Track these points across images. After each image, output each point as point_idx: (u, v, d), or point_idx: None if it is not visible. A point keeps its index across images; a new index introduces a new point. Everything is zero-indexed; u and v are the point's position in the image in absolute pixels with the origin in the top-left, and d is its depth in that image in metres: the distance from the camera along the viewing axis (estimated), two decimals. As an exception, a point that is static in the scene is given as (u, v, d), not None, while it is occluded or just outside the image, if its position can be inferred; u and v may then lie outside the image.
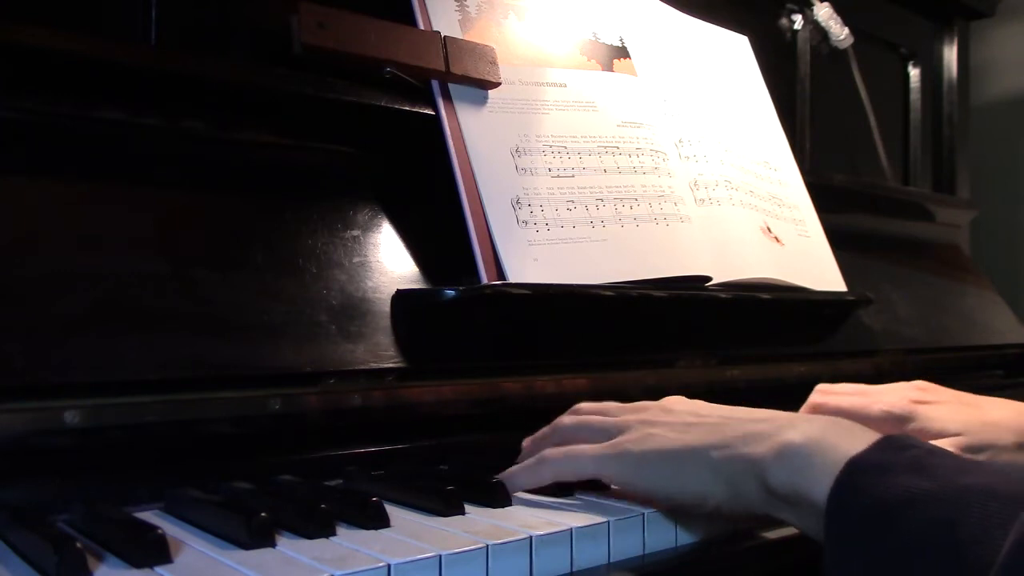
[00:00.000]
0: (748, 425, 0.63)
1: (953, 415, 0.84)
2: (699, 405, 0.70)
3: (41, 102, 0.70)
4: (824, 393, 0.91)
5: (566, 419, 0.73)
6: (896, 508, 0.51)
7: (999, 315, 1.57)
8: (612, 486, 0.68)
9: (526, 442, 0.76)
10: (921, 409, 0.84)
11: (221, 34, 0.85)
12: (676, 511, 0.64)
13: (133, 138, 0.75)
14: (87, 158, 0.72)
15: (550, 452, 0.68)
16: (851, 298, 1.18)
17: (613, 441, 0.67)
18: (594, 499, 0.67)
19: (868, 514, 0.52)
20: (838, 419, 0.62)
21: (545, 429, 0.74)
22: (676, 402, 0.71)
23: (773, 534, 0.68)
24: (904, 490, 0.52)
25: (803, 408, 0.91)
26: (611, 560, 0.60)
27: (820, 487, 0.55)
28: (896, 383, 0.91)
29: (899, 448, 0.55)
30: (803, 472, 0.57)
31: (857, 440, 0.57)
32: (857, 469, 0.54)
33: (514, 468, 0.69)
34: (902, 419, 0.84)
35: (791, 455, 0.58)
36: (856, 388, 0.91)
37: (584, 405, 0.75)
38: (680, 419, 0.67)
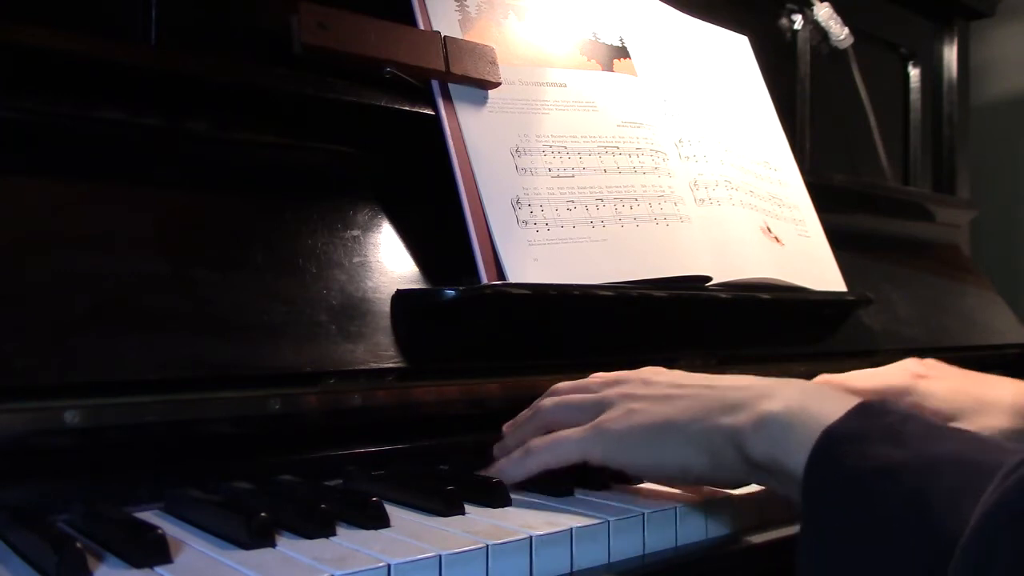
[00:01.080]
0: (728, 393, 0.63)
1: (951, 393, 0.83)
2: (678, 375, 0.70)
3: (41, 102, 0.70)
4: (830, 376, 0.91)
5: (546, 401, 0.73)
6: (870, 478, 0.52)
7: (999, 315, 1.57)
8: (598, 465, 0.68)
9: (506, 426, 0.76)
10: (921, 383, 0.85)
11: (221, 34, 0.85)
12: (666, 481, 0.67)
13: (133, 138, 0.75)
14: (87, 158, 0.72)
15: (535, 442, 0.69)
16: (851, 298, 1.18)
17: (594, 423, 0.67)
18: (594, 499, 0.67)
19: (842, 484, 0.53)
20: (817, 385, 0.62)
21: (525, 412, 0.74)
22: (655, 372, 0.71)
23: (772, 535, 0.68)
24: (878, 460, 0.52)
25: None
26: (611, 560, 0.60)
27: (797, 457, 0.55)
28: (903, 360, 0.91)
29: (874, 415, 0.55)
30: (780, 442, 0.57)
31: (835, 407, 0.57)
32: (832, 439, 0.54)
33: (501, 462, 0.70)
34: (901, 392, 0.84)
35: (768, 424, 0.58)
36: (862, 372, 0.92)
37: (562, 385, 0.75)
38: (660, 391, 0.67)
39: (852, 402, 0.57)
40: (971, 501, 0.47)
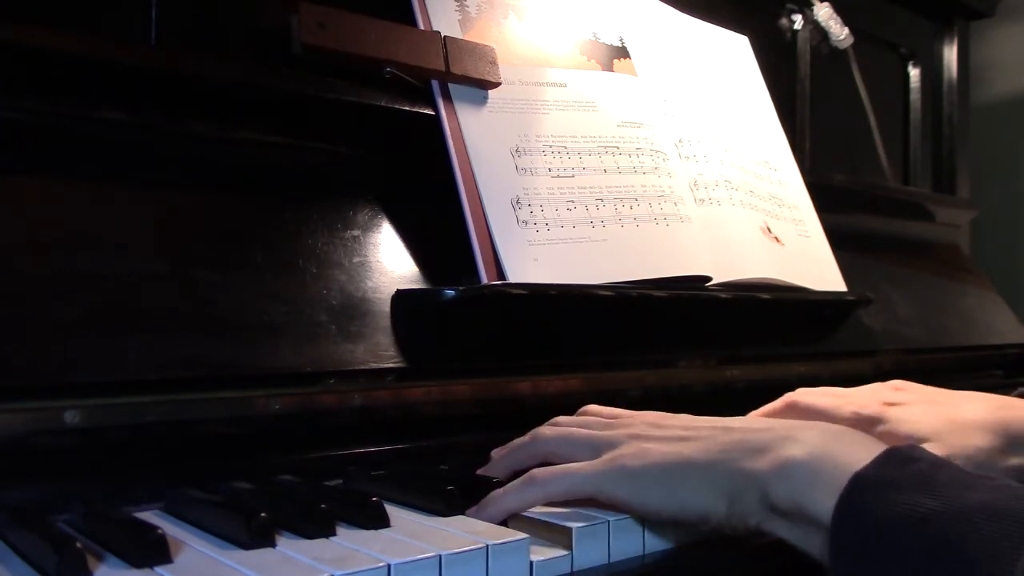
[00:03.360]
0: (748, 435, 0.61)
1: (924, 417, 0.81)
2: (688, 418, 0.68)
3: (41, 102, 0.70)
4: (799, 393, 0.90)
5: (546, 430, 0.70)
6: (903, 527, 0.50)
7: (999, 315, 1.57)
8: (608, 504, 0.63)
9: (496, 452, 0.73)
10: (891, 411, 0.82)
11: (221, 34, 0.85)
12: None
13: (133, 138, 0.75)
14: (87, 158, 0.72)
15: (539, 472, 0.64)
16: (851, 298, 1.18)
17: (608, 456, 0.63)
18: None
19: (874, 533, 0.51)
20: (840, 428, 0.60)
21: (522, 439, 0.71)
22: (663, 416, 0.68)
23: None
24: (911, 508, 0.51)
25: (775, 403, 0.90)
26: (611, 560, 0.60)
27: (823, 504, 0.54)
28: (873, 384, 0.90)
29: (903, 462, 0.54)
30: (806, 488, 0.55)
31: (860, 452, 0.56)
32: (862, 485, 0.53)
33: (497, 492, 0.64)
34: (872, 421, 0.82)
35: (793, 470, 0.57)
36: (830, 390, 0.90)
37: (563, 418, 0.72)
38: (672, 432, 0.64)
39: (878, 447, 0.56)
40: (1009, 551, 0.46)
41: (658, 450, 0.62)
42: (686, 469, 0.61)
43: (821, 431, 0.59)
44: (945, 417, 0.82)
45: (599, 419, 0.71)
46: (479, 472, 0.72)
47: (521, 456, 0.70)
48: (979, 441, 0.79)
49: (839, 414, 0.83)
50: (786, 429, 0.60)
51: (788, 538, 0.58)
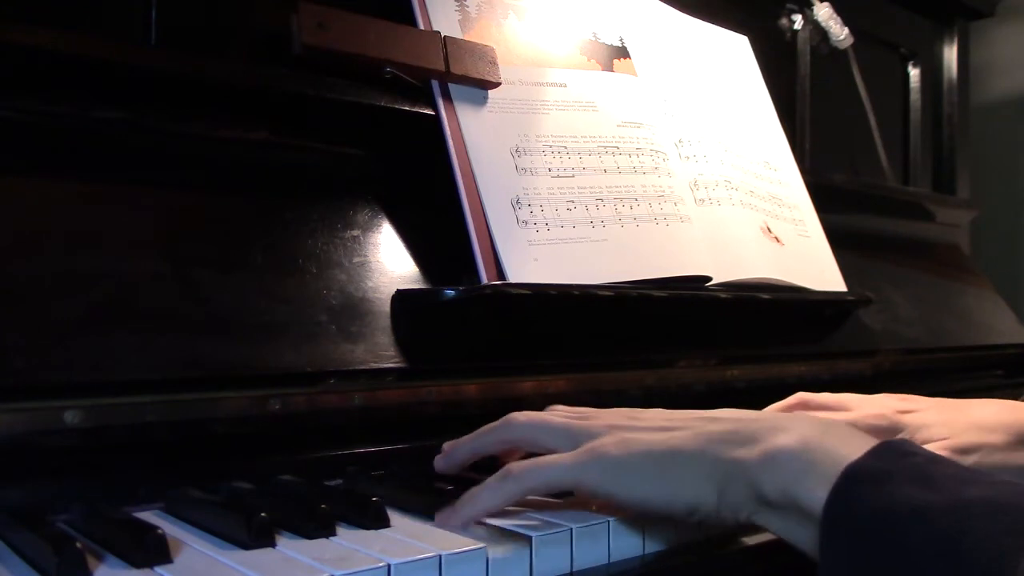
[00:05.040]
0: (736, 425, 0.59)
1: (939, 419, 0.82)
2: (663, 411, 0.65)
3: (41, 102, 0.70)
4: (803, 401, 0.90)
5: (520, 415, 0.66)
6: (899, 520, 0.49)
7: (999, 315, 1.57)
8: (589, 498, 0.62)
9: (449, 444, 0.69)
10: (907, 418, 0.83)
11: (221, 34, 0.85)
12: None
13: (133, 138, 0.75)
14: (87, 158, 0.72)
15: (514, 466, 0.60)
16: (851, 298, 1.18)
17: (588, 446, 0.60)
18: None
19: (868, 526, 0.50)
20: (830, 420, 0.59)
21: (491, 424, 0.67)
22: (635, 410, 0.65)
23: (771, 535, 0.68)
24: (907, 502, 0.49)
25: (784, 402, 0.89)
26: (611, 560, 0.60)
27: (815, 494, 0.52)
28: (874, 396, 0.90)
29: (899, 455, 0.53)
30: (797, 479, 0.54)
31: (853, 445, 0.54)
32: (855, 477, 0.52)
33: (473, 490, 0.60)
34: (890, 431, 0.82)
35: (784, 460, 0.55)
36: (836, 399, 0.89)
37: (527, 413, 0.67)
38: (653, 423, 0.62)
39: (871, 440, 0.55)
40: (1012, 548, 0.45)
41: (642, 439, 0.59)
42: (674, 458, 0.58)
43: (812, 422, 0.58)
44: (960, 419, 0.83)
45: (568, 412, 0.67)
46: (437, 459, 0.68)
47: (489, 440, 0.66)
48: (994, 439, 0.81)
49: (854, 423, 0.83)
50: (776, 419, 0.59)
51: (778, 532, 0.56)
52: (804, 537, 0.54)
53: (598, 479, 0.59)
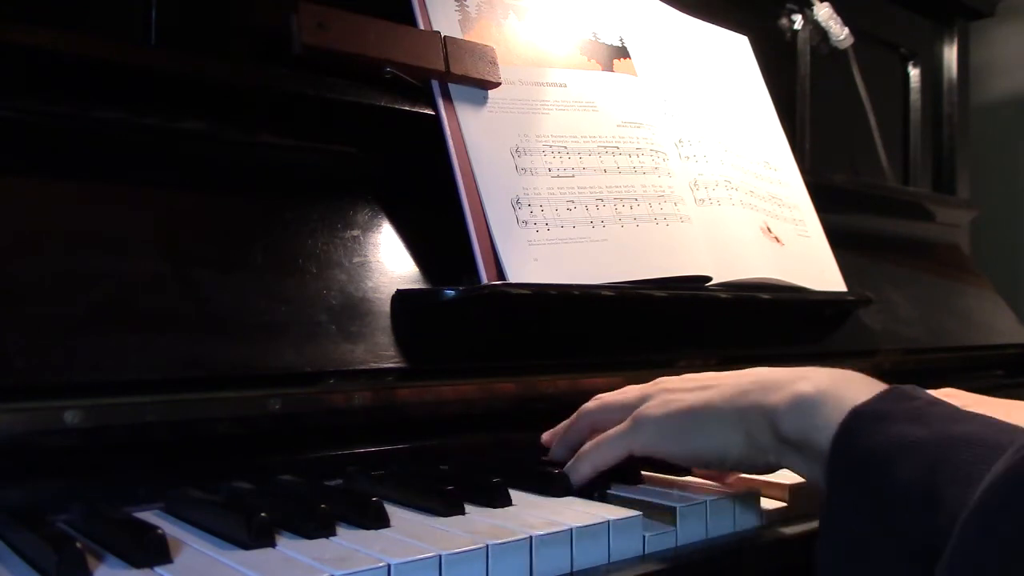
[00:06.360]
0: (764, 375, 0.66)
1: (975, 402, 0.86)
2: (717, 373, 0.72)
3: (41, 102, 0.70)
4: None
5: (589, 404, 0.76)
6: (889, 454, 0.54)
7: (999, 315, 1.57)
8: (639, 455, 0.69)
9: (546, 436, 0.78)
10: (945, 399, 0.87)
11: (221, 34, 0.85)
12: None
13: (133, 138, 0.75)
14: (87, 158, 0.72)
15: (583, 449, 0.71)
16: (851, 298, 1.18)
17: (635, 413, 0.69)
18: (594, 499, 0.67)
19: (864, 459, 0.55)
20: (850, 372, 0.64)
21: (569, 419, 0.76)
22: (692, 374, 0.73)
23: (772, 535, 0.68)
24: (899, 437, 0.54)
25: None
26: (611, 560, 0.60)
27: (825, 434, 0.58)
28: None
29: (902, 398, 0.58)
30: (811, 420, 0.60)
31: (864, 391, 0.59)
32: (859, 417, 0.57)
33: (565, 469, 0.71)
34: None
35: (802, 404, 0.61)
36: None
37: (604, 394, 0.77)
38: (698, 383, 0.69)
39: (882, 385, 0.60)
40: (980, 472, 0.49)
41: (681, 398, 0.68)
42: (705, 412, 0.66)
43: (832, 373, 0.63)
44: (999, 411, 0.86)
45: (639, 386, 0.75)
46: (544, 459, 0.77)
47: (572, 435, 0.75)
48: None
49: None
50: (801, 370, 0.65)
51: (799, 471, 0.63)
52: (819, 474, 0.59)
53: (645, 439, 0.68)
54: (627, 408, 0.71)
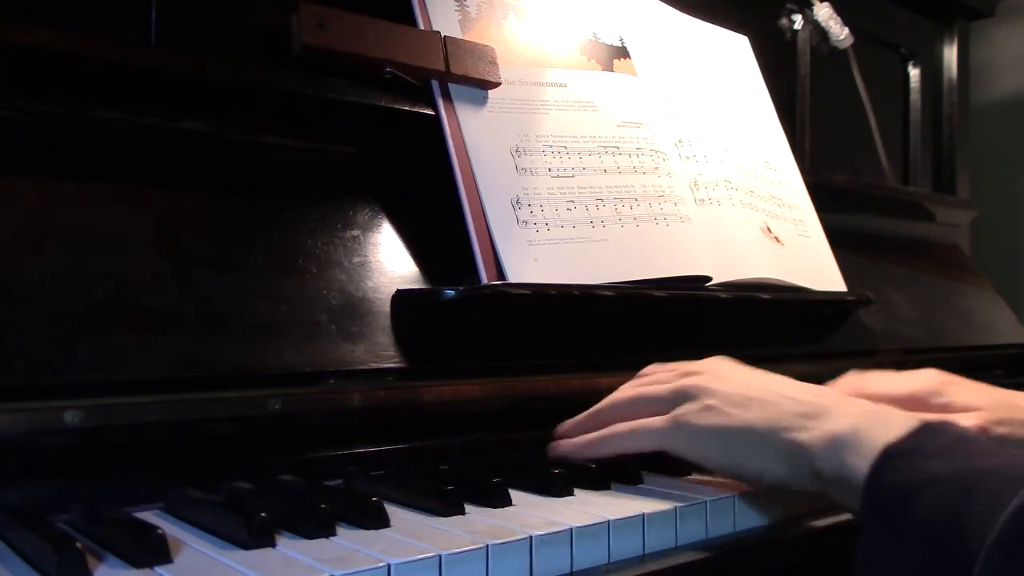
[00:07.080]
0: (798, 407, 0.67)
1: (978, 393, 0.88)
2: (749, 375, 0.74)
3: (41, 102, 0.70)
4: (856, 376, 0.93)
5: (618, 394, 0.77)
6: (916, 490, 0.56)
7: (999, 315, 1.57)
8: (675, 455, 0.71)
9: (566, 425, 0.79)
10: (950, 387, 0.89)
11: (221, 34, 0.85)
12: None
13: (133, 138, 0.75)
14: (87, 158, 0.72)
15: (618, 427, 0.73)
16: (851, 298, 1.18)
17: (674, 413, 0.71)
18: (594, 498, 0.67)
19: (893, 494, 0.57)
20: (882, 407, 0.66)
21: (598, 405, 0.77)
22: (727, 368, 0.75)
23: (773, 535, 0.68)
24: (925, 473, 0.56)
25: (837, 385, 0.93)
26: (611, 560, 0.60)
27: (860, 472, 0.60)
28: (923, 370, 0.93)
29: (931, 435, 0.60)
30: (846, 459, 0.62)
31: (896, 427, 0.61)
32: (890, 455, 0.59)
33: (580, 439, 0.75)
34: (930, 393, 0.87)
35: (837, 444, 0.63)
36: (885, 374, 0.94)
37: (632, 382, 0.78)
38: (736, 389, 0.70)
39: (912, 423, 0.62)
40: (1004, 501, 0.51)
41: (721, 411, 0.69)
42: (746, 435, 0.68)
43: (865, 409, 0.66)
44: (996, 396, 0.90)
45: (666, 370, 0.77)
46: (555, 451, 0.78)
47: (599, 424, 0.76)
48: None
49: (897, 393, 0.87)
50: (834, 403, 0.67)
51: (840, 502, 0.65)
52: (856, 508, 0.61)
53: (685, 445, 0.70)
54: (663, 402, 0.72)
